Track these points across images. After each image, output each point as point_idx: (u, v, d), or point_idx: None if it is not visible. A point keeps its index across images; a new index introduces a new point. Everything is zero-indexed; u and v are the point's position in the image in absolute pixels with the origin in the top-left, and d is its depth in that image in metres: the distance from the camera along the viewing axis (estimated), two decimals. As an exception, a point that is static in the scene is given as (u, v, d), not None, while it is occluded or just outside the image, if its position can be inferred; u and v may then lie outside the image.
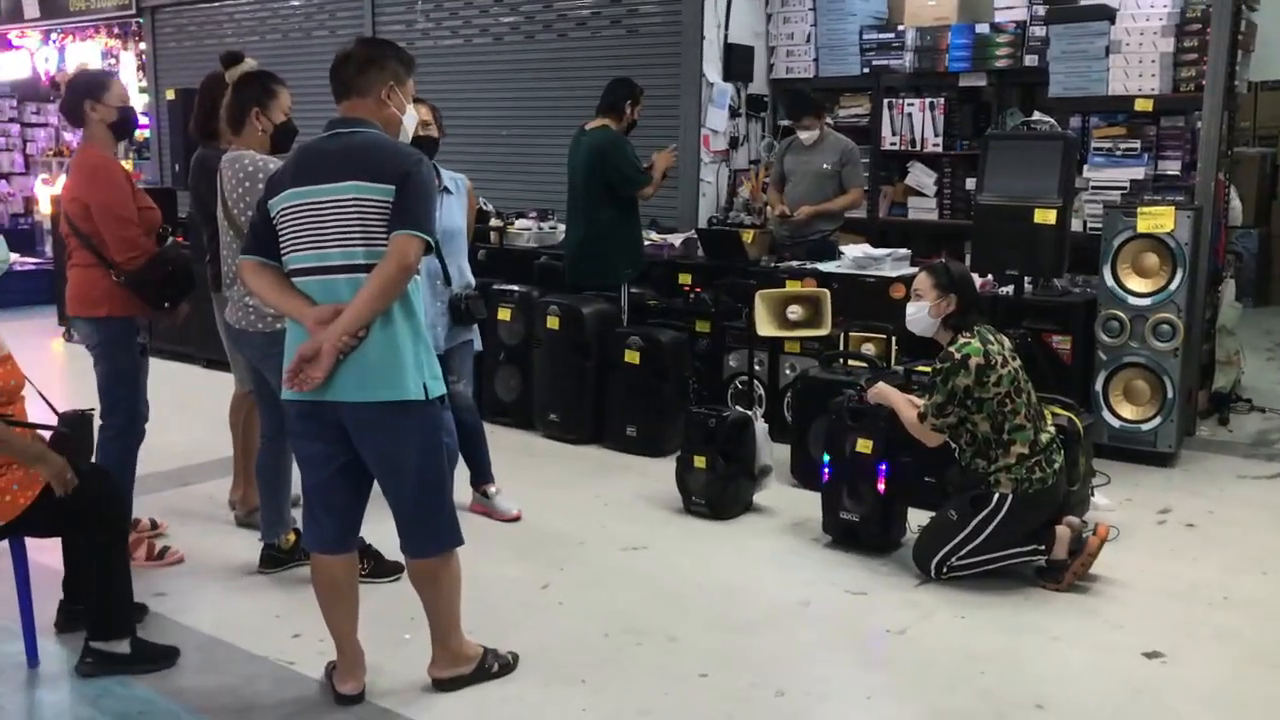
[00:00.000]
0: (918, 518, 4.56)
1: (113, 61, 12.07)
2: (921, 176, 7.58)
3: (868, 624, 3.97)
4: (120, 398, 4.30)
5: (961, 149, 7.39)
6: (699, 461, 4.97)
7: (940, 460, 4.52)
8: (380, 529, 3.63)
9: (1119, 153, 6.58)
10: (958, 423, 4.18)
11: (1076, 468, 4.60)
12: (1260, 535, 4.82)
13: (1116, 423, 5.68)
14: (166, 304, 4.31)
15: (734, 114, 7.77)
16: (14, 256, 3.77)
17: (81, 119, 4.18)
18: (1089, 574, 4.23)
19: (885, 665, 3.67)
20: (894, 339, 5.51)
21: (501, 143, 8.53)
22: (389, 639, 3.69)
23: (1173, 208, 5.53)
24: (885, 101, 7.57)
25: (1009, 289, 5.74)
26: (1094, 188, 6.62)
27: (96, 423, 3.86)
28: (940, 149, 7.44)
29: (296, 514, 4.15)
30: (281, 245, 3.15)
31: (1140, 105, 6.43)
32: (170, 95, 9.47)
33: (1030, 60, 6.94)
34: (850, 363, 5.46)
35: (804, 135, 6.82)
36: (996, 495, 4.15)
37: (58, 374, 8.15)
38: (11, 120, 14.43)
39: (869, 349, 5.57)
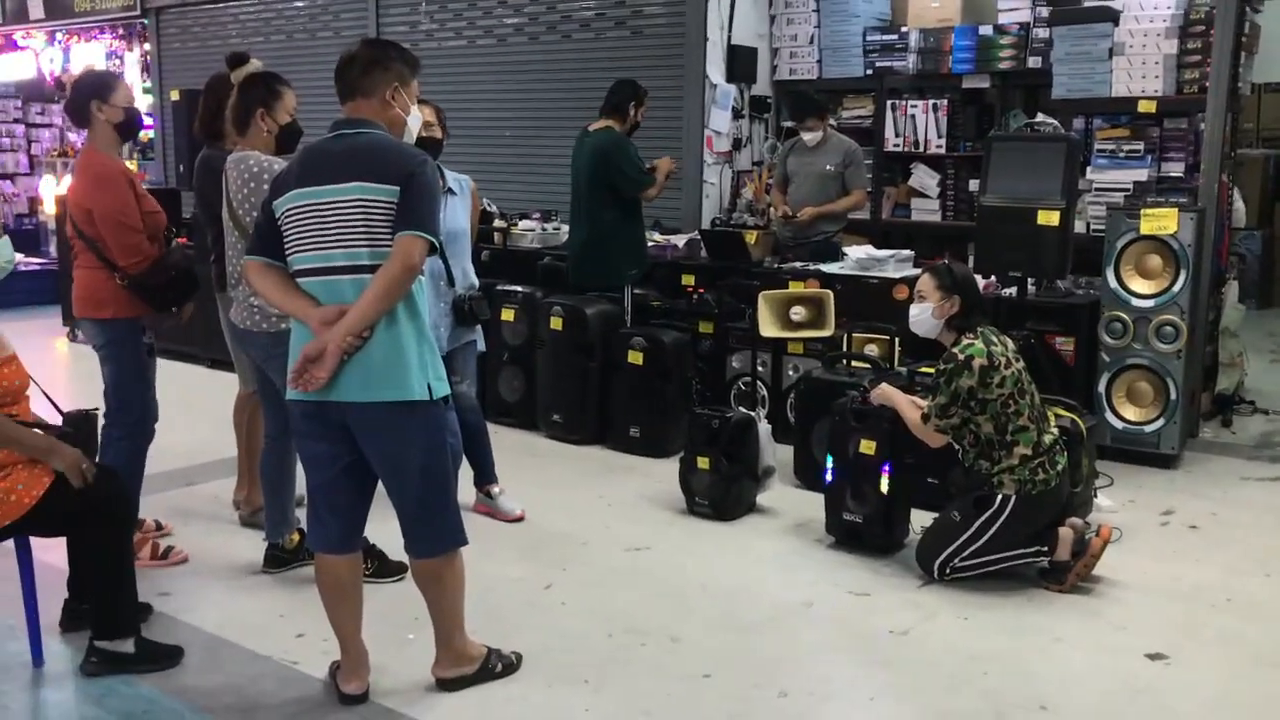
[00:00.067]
0: (921, 519, 4.57)
1: (117, 62, 12.09)
2: (925, 178, 7.58)
3: (870, 625, 3.97)
4: (130, 398, 4.31)
5: (965, 150, 7.39)
6: (702, 462, 4.97)
7: (943, 461, 4.53)
8: (384, 529, 3.65)
9: (1122, 154, 6.58)
10: (961, 424, 4.18)
11: (1079, 469, 4.60)
12: (1263, 537, 4.81)
13: (1119, 424, 5.68)
14: (170, 308, 4.32)
15: (737, 115, 7.77)
16: (19, 257, 3.78)
17: (87, 119, 4.19)
18: (1092, 575, 4.23)
19: (888, 666, 3.67)
20: (897, 340, 5.51)
21: (505, 143, 8.54)
22: (393, 639, 3.69)
23: (1176, 209, 5.53)
24: (888, 103, 7.57)
25: (1012, 290, 5.74)
26: (1097, 189, 6.61)
27: (100, 422, 3.86)
28: (943, 150, 7.44)
29: (300, 514, 4.15)
30: (286, 246, 3.16)
31: (1144, 107, 6.43)
32: (175, 96, 9.47)
33: (1034, 62, 6.94)
34: (853, 364, 5.46)
35: (807, 136, 6.82)
36: (1000, 496, 4.15)
37: (62, 374, 8.17)
38: (16, 121, 14.46)
39: (872, 350, 5.57)
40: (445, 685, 3.43)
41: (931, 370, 4.40)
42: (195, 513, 5.04)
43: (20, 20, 12.43)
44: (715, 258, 6.69)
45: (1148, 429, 5.63)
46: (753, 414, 5.18)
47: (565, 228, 7.04)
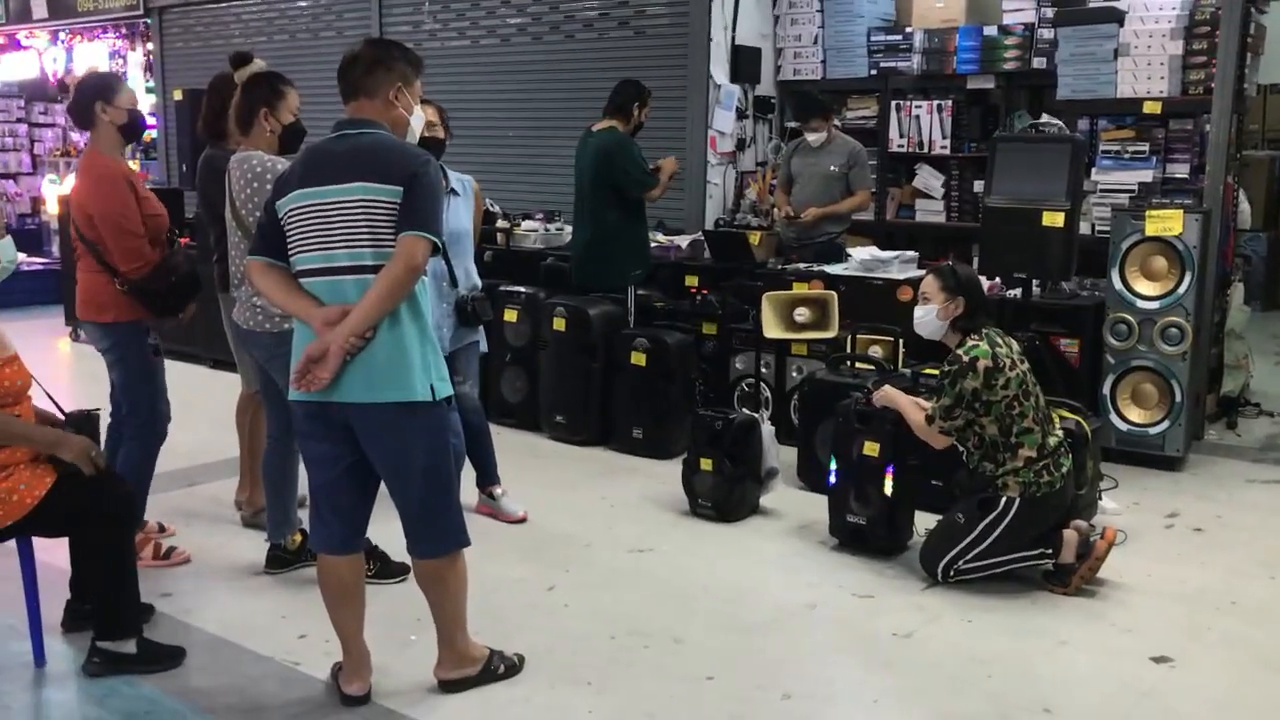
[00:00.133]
0: (925, 521, 4.55)
1: (120, 62, 12.11)
2: (929, 179, 7.57)
3: (874, 627, 3.96)
4: (139, 399, 4.32)
5: (969, 151, 7.38)
6: (705, 464, 4.96)
7: (948, 463, 4.52)
8: (387, 530, 3.64)
9: (1127, 155, 6.56)
10: (965, 425, 4.17)
11: (1084, 471, 4.59)
12: (1268, 539, 4.80)
13: (1124, 426, 5.67)
14: (171, 313, 4.31)
15: (741, 116, 7.76)
16: (21, 256, 3.79)
17: (91, 120, 4.18)
18: (1096, 578, 4.22)
19: (891, 668, 3.66)
20: (901, 341, 5.50)
21: (508, 144, 8.54)
22: (395, 640, 3.69)
23: (1181, 211, 5.52)
24: (893, 103, 7.56)
25: (1017, 292, 5.73)
26: (1102, 190, 6.60)
27: (105, 420, 3.86)
28: (948, 151, 7.43)
29: (303, 514, 4.15)
30: (289, 246, 3.16)
31: (1149, 108, 6.42)
32: (177, 96, 9.48)
33: (1038, 62, 6.92)
34: (857, 365, 5.45)
35: (811, 137, 6.81)
36: (1004, 498, 4.14)
37: (64, 374, 8.18)
38: (19, 120, 14.48)
39: (876, 351, 5.56)
40: (447, 686, 3.43)
41: (936, 372, 4.40)
42: (197, 513, 5.04)
43: (23, 20, 12.45)
44: (719, 258, 6.68)
45: (1152, 431, 5.62)
46: (756, 415, 5.17)
47: (568, 228, 7.03)
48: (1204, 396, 6.20)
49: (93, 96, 4.17)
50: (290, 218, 3.14)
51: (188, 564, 4.46)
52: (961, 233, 7.29)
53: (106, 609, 3.53)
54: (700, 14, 7.45)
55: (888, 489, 4.47)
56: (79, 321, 4.40)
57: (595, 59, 7.97)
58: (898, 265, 6.12)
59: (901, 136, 7.56)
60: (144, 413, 4.32)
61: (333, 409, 3.12)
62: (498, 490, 5.02)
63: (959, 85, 7.37)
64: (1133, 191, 6.48)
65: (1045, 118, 6.62)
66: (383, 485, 3.28)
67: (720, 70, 7.55)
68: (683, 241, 7.11)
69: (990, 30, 7.12)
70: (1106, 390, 5.68)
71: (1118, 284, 5.61)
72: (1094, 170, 6.59)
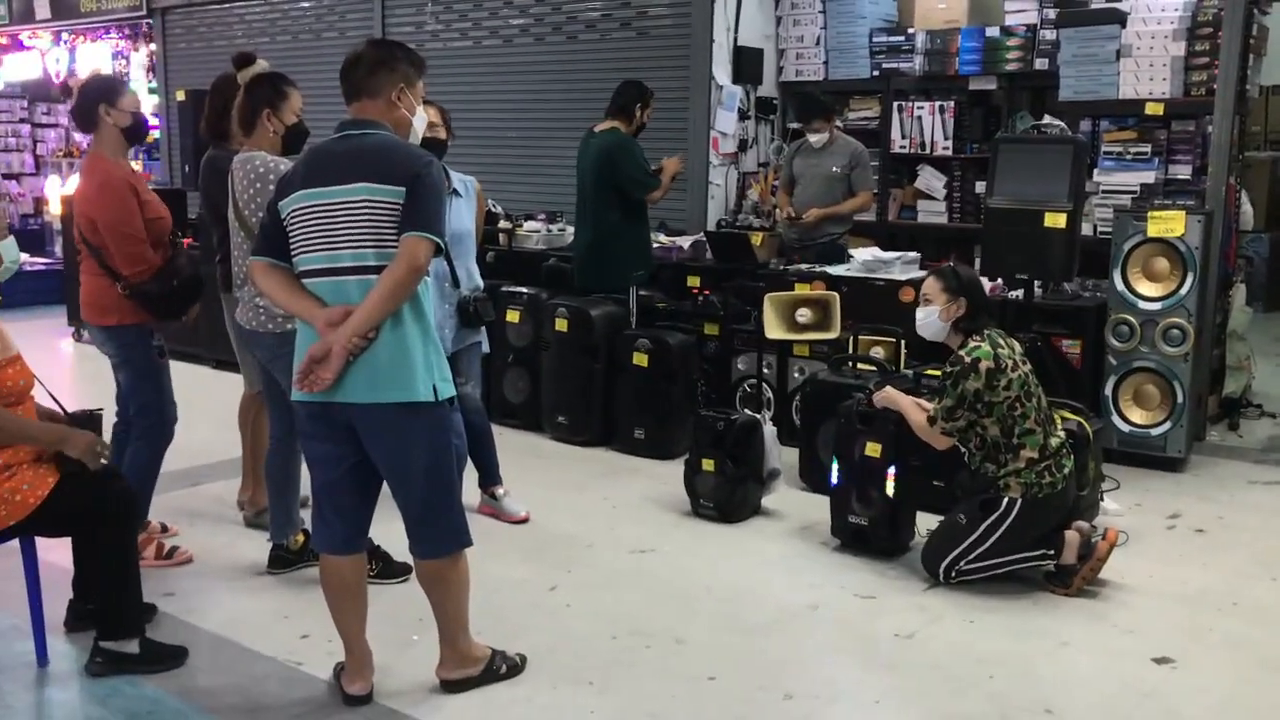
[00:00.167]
0: (926, 521, 4.56)
1: (123, 63, 12.12)
2: (931, 180, 7.57)
3: (876, 627, 3.96)
4: (147, 400, 4.34)
5: (971, 152, 7.38)
6: (707, 464, 4.97)
7: (949, 464, 4.52)
8: (389, 530, 3.64)
9: (1129, 157, 6.56)
10: (967, 426, 4.17)
11: (1086, 472, 4.59)
12: (1270, 541, 4.80)
13: (1126, 427, 5.67)
14: (173, 316, 4.31)
15: (743, 116, 7.77)
16: (24, 257, 3.79)
17: (94, 123, 4.19)
18: (1098, 579, 4.22)
19: (893, 669, 3.66)
20: (903, 342, 5.50)
21: (511, 144, 8.54)
22: (397, 640, 3.69)
23: (1183, 212, 5.52)
24: (895, 104, 7.56)
25: (1019, 293, 5.72)
26: (1104, 192, 6.60)
27: (111, 420, 3.86)
28: (950, 152, 7.43)
29: (305, 515, 4.15)
30: (292, 246, 3.16)
31: (1151, 109, 6.42)
32: (180, 96, 9.51)
33: (1041, 64, 6.92)
34: (859, 366, 5.45)
35: (813, 138, 6.82)
36: (1006, 499, 4.14)
37: (67, 374, 8.19)
38: (22, 121, 14.49)
39: (878, 352, 5.56)
40: (449, 686, 3.43)
41: (937, 373, 4.40)
42: (200, 513, 5.04)
43: (27, 20, 12.46)
44: (721, 259, 6.68)
45: (1154, 432, 5.62)
46: (758, 416, 5.17)
47: (570, 229, 7.03)
48: (1206, 398, 6.20)
49: (96, 99, 4.18)
50: (293, 218, 3.15)
51: (190, 564, 4.47)
52: (963, 234, 7.29)
53: (109, 609, 3.54)
54: (703, 15, 7.45)
55: (889, 490, 4.48)
56: (84, 324, 4.40)
57: (597, 60, 7.97)
58: (900, 266, 6.12)
59: (903, 137, 7.56)
60: (152, 413, 4.34)
61: (335, 409, 3.12)
62: (500, 491, 5.03)
63: (961, 86, 7.37)
64: (1135, 193, 6.48)
65: (1047, 119, 6.61)
66: (385, 485, 3.29)
67: (722, 71, 7.56)
68: (685, 242, 7.11)
69: (992, 31, 7.12)
70: (1108, 391, 5.68)
71: (1120, 285, 5.61)
72: (1096, 171, 6.58)
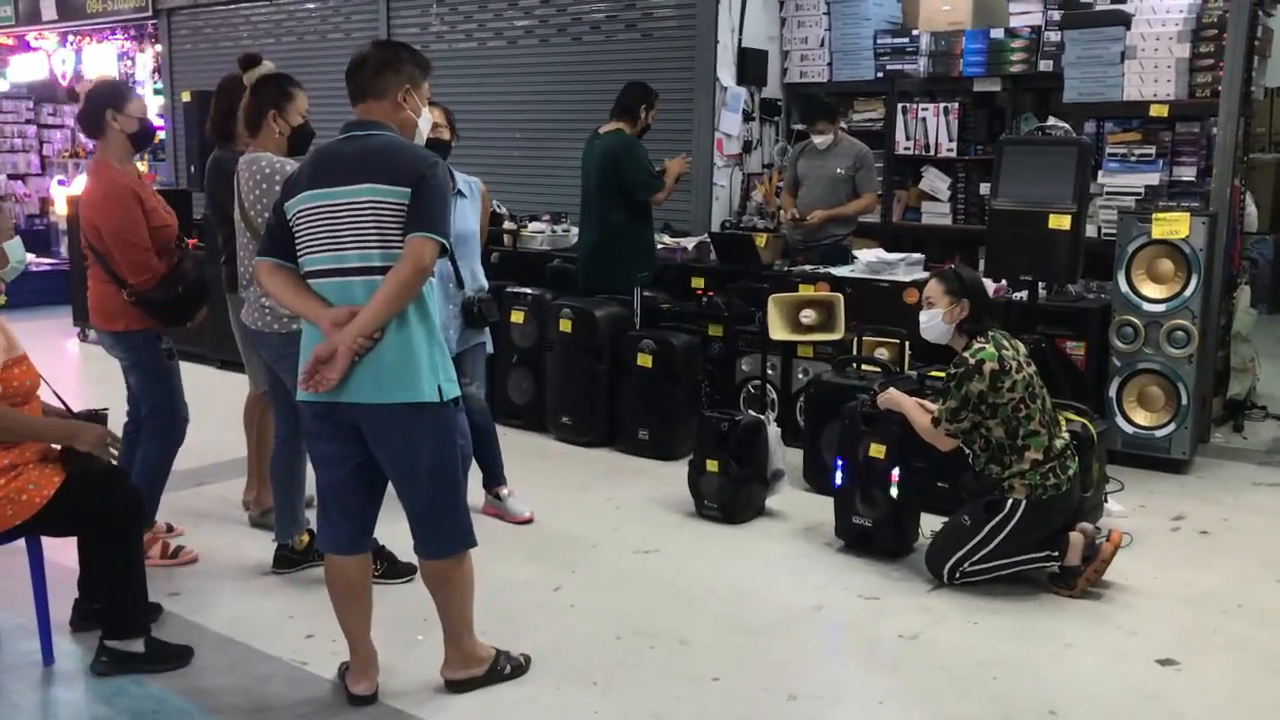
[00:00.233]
0: (930, 523, 4.56)
1: (128, 63, 12.14)
2: (935, 181, 7.57)
3: (880, 629, 3.96)
4: (159, 403, 4.36)
5: (976, 154, 7.38)
6: (711, 465, 4.97)
7: (954, 465, 4.52)
8: (394, 530, 3.65)
9: (1134, 158, 6.56)
10: (972, 428, 4.17)
11: (1090, 474, 4.59)
12: (1275, 543, 4.79)
13: (1130, 429, 5.67)
14: (178, 323, 4.33)
15: (748, 118, 7.77)
16: (30, 257, 3.80)
17: (101, 129, 4.20)
18: (1102, 580, 4.22)
19: (897, 670, 3.66)
20: (907, 343, 5.50)
21: (515, 146, 8.55)
22: (402, 640, 3.70)
23: (1188, 214, 5.52)
24: (899, 106, 7.57)
25: (1023, 294, 5.72)
26: (1109, 193, 6.60)
27: (113, 421, 3.86)
28: (954, 154, 7.43)
29: (310, 515, 4.17)
30: (298, 247, 3.17)
31: (1155, 111, 6.41)
32: (186, 97, 9.53)
33: (1045, 65, 6.92)
34: (863, 367, 5.45)
35: (818, 139, 6.82)
36: (1010, 501, 4.14)
37: (73, 374, 8.21)
38: (29, 121, 14.51)
39: (882, 353, 5.57)
40: (454, 687, 3.44)
41: (942, 374, 4.40)
42: (205, 513, 5.05)
43: (33, 21, 12.49)
44: (725, 260, 6.68)
45: (1159, 434, 5.62)
46: (762, 417, 5.17)
47: (575, 230, 7.04)
48: (1210, 399, 6.19)
49: (103, 105, 4.19)
50: (299, 219, 3.16)
51: (195, 564, 4.48)
52: (968, 235, 7.29)
53: (114, 608, 3.55)
54: (707, 16, 7.46)
55: (894, 491, 4.48)
56: (93, 327, 4.42)
57: (602, 61, 7.98)
58: (904, 267, 6.12)
59: (908, 139, 7.56)
60: (164, 415, 4.36)
61: (341, 409, 3.13)
62: (504, 491, 5.03)
63: (965, 88, 7.37)
64: (1139, 194, 6.48)
65: (1052, 120, 6.61)
66: (390, 486, 3.29)
67: (727, 72, 7.57)
68: (689, 243, 7.12)
69: (997, 33, 7.13)
70: (1112, 393, 5.68)
71: (1124, 287, 5.61)
72: (1100, 173, 6.58)
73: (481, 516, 4.81)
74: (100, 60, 12.28)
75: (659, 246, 6.79)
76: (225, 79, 4.75)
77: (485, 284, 4.91)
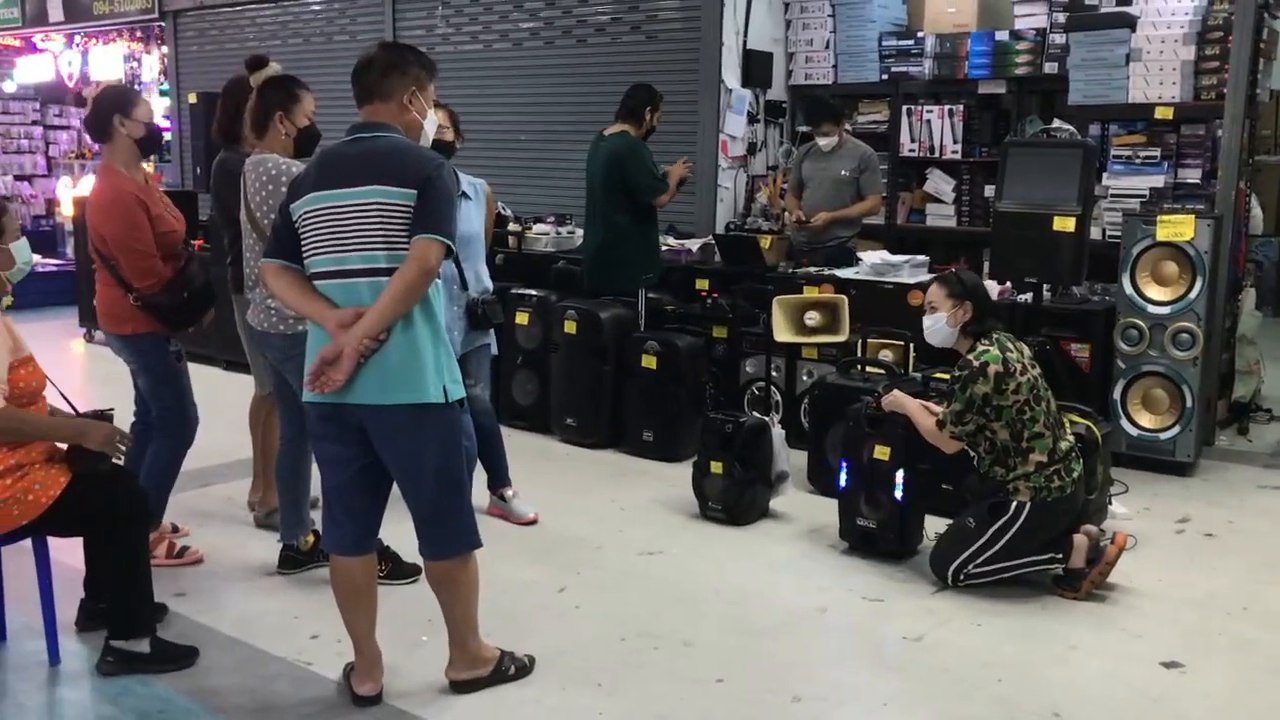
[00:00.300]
0: (935, 525, 4.56)
1: (135, 65, 12.17)
2: (940, 183, 7.57)
3: (884, 631, 3.96)
4: (168, 405, 4.38)
5: (980, 156, 7.38)
6: (716, 467, 4.97)
7: (958, 468, 4.52)
8: (399, 531, 3.65)
9: (1139, 160, 6.56)
10: (976, 430, 4.18)
11: (1094, 476, 4.59)
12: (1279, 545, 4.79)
13: (1135, 431, 5.66)
14: (184, 327, 4.34)
15: (752, 120, 7.77)
16: (36, 258, 3.81)
17: (108, 134, 4.21)
18: (1107, 583, 4.22)
19: (901, 672, 3.67)
20: (912, 345, 5.50)
21: (520, 147, 8.56)
22: (406, 641, 3.71)
23: (1193, 216, 5.51)
24: (904, 108, 7.56)
25: (1027, 296, 5.72)
26: (1113, 195, 6.59)
27: (119, 421, 3.88)
28: (959, 156, 7.43)
29: (316, 515, 4.17)
30: (303, 248, 3.18)
31: (1160, 113, 6.41)
32: (192, 99, 9.53)
33: (1050, 68, 6.92)
34: (868, 369, 5.45)
35: (822, 141, 6.82)
36: (1014, 503, 4.14)
37: (79, 374, 8.22)
38: (35, 123, 14.55)
39: (887, 355, 5.56)
40: (458, 687, 3.44)
41: (946, 376, 4.40)
42: (211, 514, 5.07)
43: (39, 23, 12.52)
44: (730, 262, 6.69)
45: (1163, 436, 5.62)
46: (766, 419, 5.17)
47: (580, 232, 7.05)
48: (1215, 402, 6.19)
49: (110, 110, 4.20)
50: (305, 220, 3.16)
51: (201, 564, 4.49)
52: (972, 237, 7.29)
53: (120, 608, 3.56)
54: (712, 18, 7.46)
55: (898, 493, 4.48)
56: (102, 330, 4.44)
57: (607, 63, 7.98)
58: (908, 269, 6.12)
59: (912, 141, 7.56)
60: (173, 417, 4.38)
61: (346, 411, 3.14)
62: (509, 492, 5.04)
63: (970, 90, 7.36)
64: (1144, 197, 6.47)
65: (1056, 123, 6.62)
66: (395, 487, 3.30)
67: (732, 74, 7.57)
68: (694, 245, 7.12)
69: (1002, 35, 7.12)
70: (1117, 395, 5.68)
71: (1129, 289, 5.61)
72: (1105, 175, 6.58)
73: (486, 518, 4.83)
74: (107, 62, 12.31)
75: (664, 248, 6.79)
76: (232, 81, 4.77)
77: (490, 286, 4.91)
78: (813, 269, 6.47)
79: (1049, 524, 4.17)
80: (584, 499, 5.37)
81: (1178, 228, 5.47)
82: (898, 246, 7.17)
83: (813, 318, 5.53)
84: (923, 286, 5.35)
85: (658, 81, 6.54)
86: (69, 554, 3.79)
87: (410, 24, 9.17)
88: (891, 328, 5.65)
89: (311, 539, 4.35)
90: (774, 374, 6.07)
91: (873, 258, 6.31)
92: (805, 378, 6.06)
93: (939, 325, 4.28)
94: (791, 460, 5.15)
